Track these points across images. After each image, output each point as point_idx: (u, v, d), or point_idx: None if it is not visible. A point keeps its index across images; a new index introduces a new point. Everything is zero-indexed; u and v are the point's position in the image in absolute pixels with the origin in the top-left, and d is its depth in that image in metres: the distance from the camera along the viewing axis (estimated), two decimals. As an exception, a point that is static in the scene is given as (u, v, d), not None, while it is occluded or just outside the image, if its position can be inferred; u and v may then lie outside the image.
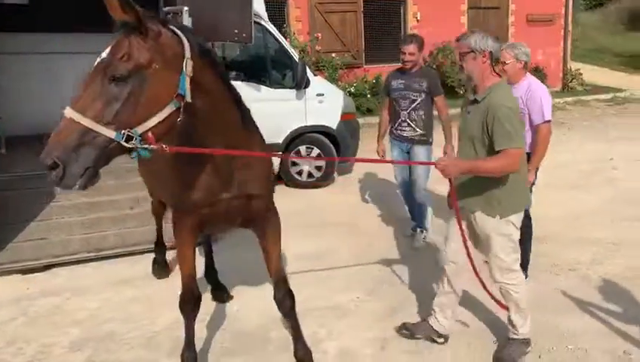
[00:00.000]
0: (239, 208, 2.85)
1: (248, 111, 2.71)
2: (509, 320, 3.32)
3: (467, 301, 4.03)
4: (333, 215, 6.10)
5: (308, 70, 6.92)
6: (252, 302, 4.09)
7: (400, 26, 14.47)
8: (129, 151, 2.06)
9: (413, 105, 4.93)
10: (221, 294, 4.14)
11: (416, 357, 3.38)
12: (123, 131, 2.00)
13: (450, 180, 2.98)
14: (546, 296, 4.01)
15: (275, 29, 6.88)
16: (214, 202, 2.76)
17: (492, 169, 2.94)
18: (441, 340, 3.49)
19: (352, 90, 12.30)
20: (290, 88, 6.85)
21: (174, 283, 4.44)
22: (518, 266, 3.24)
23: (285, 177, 7.15)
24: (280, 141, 6.84)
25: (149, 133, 2.07)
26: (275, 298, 3.16)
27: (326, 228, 5.65)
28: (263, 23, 6.58)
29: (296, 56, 6.99)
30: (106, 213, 5.32)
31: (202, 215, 2.82)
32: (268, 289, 4.18)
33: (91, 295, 4.29)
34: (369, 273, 4.57)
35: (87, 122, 1.96)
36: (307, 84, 6.83)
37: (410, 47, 4.84)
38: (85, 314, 3.99)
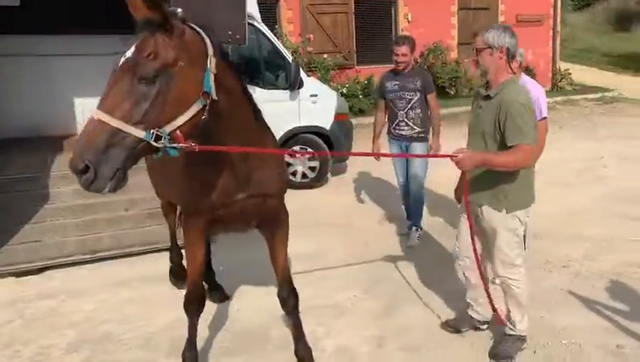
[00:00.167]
0: (254, 208, 2.82)
1: (260, 111, 2.71)
2: (508, 315, 3.36)
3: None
4: (328, 215, 6.13)
5: (301, 71, 6.94)
6: (251, 302, 4.12)
7: (391, 27, 14.55)
8: (156, 150, 2.04)
9: (409, 105, 5.01)
10: (218, 295, 4.15)
11: (413, 355, 3.41)
12: (152, 131, 1.99)
13: (463, 173, 2.98)
14: (540, 292, 4.04)
15: (268, 30, 6.90)
16: (229, 203, 2.73)
17: (505, 163, 2.94)
18: (485, 326, 3.60)
19: (344, 90, 12.34)
20: (284, 89, 6.87)
21: (170, 284, 4.47)
22: (521, 262, 3.27)
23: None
24: (274, 141, 6.83)
25: (178, 132, 2.05)
26: (279, 296, 3.18)
27: (321, 228, 5.67)
28: (256, 24, 6.59)
29: (289, 57, 7.01)
30: (100, 214, 5.30)
31: (216, 215, 2.79)
32: (267, 289, 4.23)
33: (87, 297, 4.28)
34: (365, 272, 4.60)
35: (116, 123, 1.94)
36: (301, 84, 6.85)
37: (403, 48, 4.92)
38: (82, 316, 3.98)
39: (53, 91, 7.21)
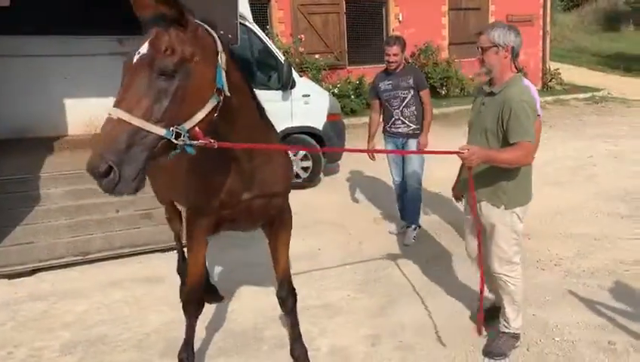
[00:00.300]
0: (261, 208, 2.78)
1: (264, 109, 2.68)
2: (502, 313, 3.38)
3: (464, 298, 4.10)
4: (322, 215, 6.13)
5: (293, 71, 6.94)
6: (246, 302, 4.12)
7: (382, 27, 14.56)
8: (174, 148, 1.99)
9: (404, 103, 5.08)
10: (212, 296, 4.14)
11: (408, 354, 3.42)
12: (172, 128, 1.95)
13: (469, 169, 2.99)
14: (532, 290, 4.07)
15: (260, 30, 6.90)
16: (236, 203, 2.69)
17: (507, 160, 2.97)
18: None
19: (336, 91, 12.35)
20: (276, 89, 6.87)
21: (163, 284, 4.46)
22: (518, 259, 3.29)
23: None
24: (266, 142, 6.83)
25: (197, 129, 2.02)
26: (278, 296, 3.17)
27: (315, 228, 5.67)
28: (248, 24, 6.59)
29: (281, 57, 7.01)
30: (92, 216, 5.28)
31: (221, 216, 2.74)
32: (261, 290, 4.24)
33: (80, 298, 4.26)
34: (359, 271, 4.61)
35: (137, 121, 1.88)
36: (293, 85, 6.86)
37: (394, 49, 5.00)
38: (74, 318, 3.97)
39: (44, 92, 7.16)
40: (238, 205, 2.70)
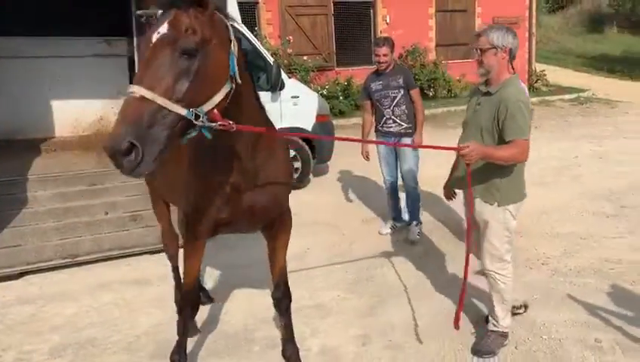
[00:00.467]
0: (263, 209, 2.72)
1: (264, 108, 2.65)
2: (491, 311, 3.42)
3: (454, 297, 4.13)
4: (312, 215, 6.14)
5: (282, 72, 6.95)
6: (236, 304, 4.12)
7: (370, 29, 14.63)
8: (186, 132, 1.97)
9: (394, 102, 5.16)
10: (203, 297, 4.13)
11: (398, 352, 3.45)
12: (192, 109, 1.92)
13: (467, 165, 3.02)
14: (520, 288, 4.11)
15: (248, 31, 6.90)
16: (237, 204, 2.62)
17: (504, 156, 3.04)
18: (522, 311, 3.72)
19: (324, 92, 12.38)
20: (265, 90, 6.86)
21: (153, 286, 4.45)
22: (509, 258, 3.35)
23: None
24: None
25: (215, 111, 2.00)
26: (273, 296, 3.16)
27: (305, 229, 5.66)
28: (236, 25, 6.57)
29: (270, 58, 7.01)
30: (80, 218, 5.24)
31: (222, 218, 2.67)
32: (251, 291, 4.25)
33: (69, 301, 4.23)
34: (349, 272, 4.63)
35: (160, 100, 1.84)
36: (282, 86, 6.86)
37: (384, 49, 5.09)
38: (63, 320, 3.94)
39: (31, 94, 7.12)
40: (240, 206, 2.64)
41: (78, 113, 7.48)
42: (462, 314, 3.77)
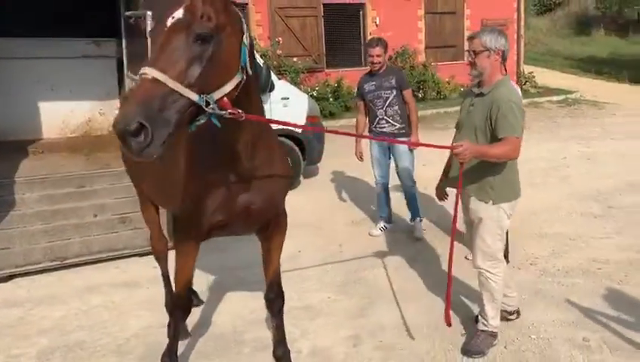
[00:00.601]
0: (259, 211, 2.67)
1: (263, 108, 2.62)
2: (481, 310, 3.45)
3: (444, 297, 4.14)
4: (302, 217, 6.12)
5: (272, 74, 6.95)
6: (225, 306, 4.11)
7: (360, 31, 14.67)
8: (195, 119, 1.96)
9: (387, 103, 5.20)
10: (194, 300, 4.11)
11: (389, 353, 3.45)
12: (202, 95, 1.91)
13: (461, 164, 3.05)
14: (513, 292, 4.15)
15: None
16: (233, 206, 2.57)
17: (497, 154, 3.11)
18: (514, 317, 3.71)
19: (314, 94, 12.39)
20: (255, 92, 6.85)
21: (142, 289, 4.42)
22: (501, 256, 3.39)
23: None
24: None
25: (225, 99, 1.99)
26: (266, 298, 3.14)
27: (295, 230, 5.57)
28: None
29: (259, 60, 7.00)
30: (69, 220, 5.19)
31: (217, 221, 2.62)
32: (240, 293, 4.24)
33: (58, 304, 4.19)
34: (339, 273, 4.64)
35: (172, 83, 1.83)
36: (272, 87, 6.84)
37: (377, 50, 5.17)
38: (52, 324, 3.91)
39: (18, 95, 7.05)
40: (237, 207, 2.59)
41: (66, 115, 7.42)
42: (452, 314, 3.82)
